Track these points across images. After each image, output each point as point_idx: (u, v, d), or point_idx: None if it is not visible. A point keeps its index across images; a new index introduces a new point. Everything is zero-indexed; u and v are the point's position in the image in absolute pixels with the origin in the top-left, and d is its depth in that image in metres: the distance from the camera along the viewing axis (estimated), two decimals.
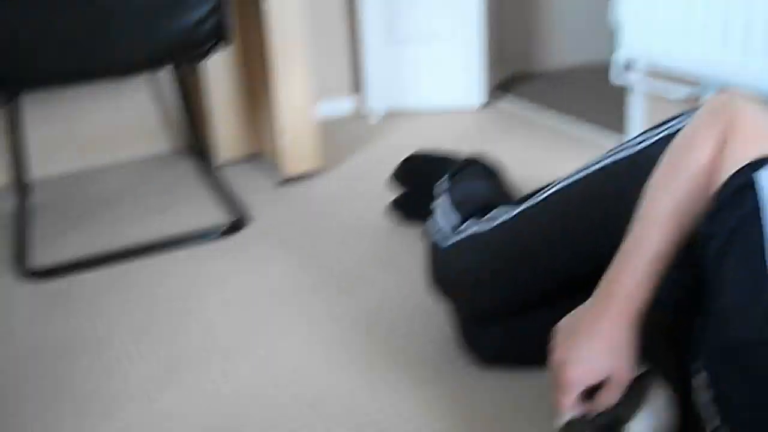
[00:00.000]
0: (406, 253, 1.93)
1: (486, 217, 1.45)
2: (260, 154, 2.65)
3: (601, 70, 3.29)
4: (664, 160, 1.06)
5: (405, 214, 2.09)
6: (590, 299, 1.05)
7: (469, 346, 1.47)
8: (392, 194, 2.20)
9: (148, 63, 1.93)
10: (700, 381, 0.98)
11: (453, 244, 1.45)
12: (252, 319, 1.69)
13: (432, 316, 1.64)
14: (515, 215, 1.39)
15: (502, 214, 1.42)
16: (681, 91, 2.21)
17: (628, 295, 1.01)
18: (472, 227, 1.45)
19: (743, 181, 0.92)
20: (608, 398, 1.02)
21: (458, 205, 1.58)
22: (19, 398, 1.47)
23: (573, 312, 1.07)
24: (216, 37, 1.94)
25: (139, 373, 1.52)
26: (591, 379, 1.01)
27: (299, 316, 1.68)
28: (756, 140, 0.97)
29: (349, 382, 1.45)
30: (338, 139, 2.83)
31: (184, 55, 1.95)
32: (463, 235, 1.45)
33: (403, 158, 2.09)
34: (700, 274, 0.97)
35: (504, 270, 1.38)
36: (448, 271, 1.45)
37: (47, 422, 1.40)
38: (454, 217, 1.53)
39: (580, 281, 1.22)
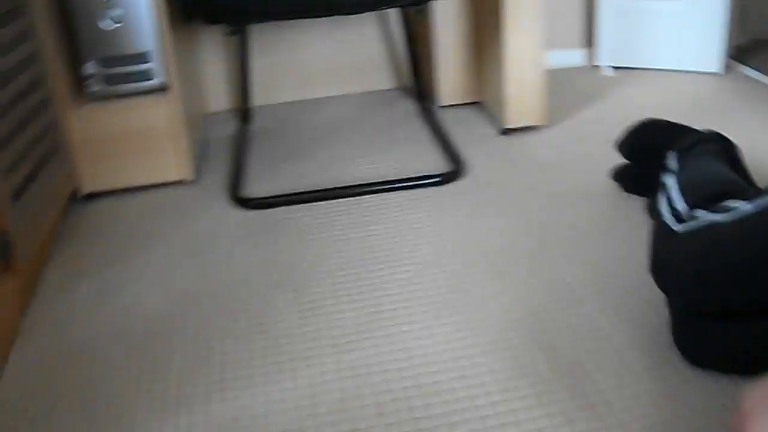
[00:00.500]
0: (626, 225, 1.80)
1: (720, 206, 1.30)
2: (482, 102, 2.56)
3: None
4: None
5: (628, 185, 1.94)
6: None
7: (682, 342, 1.34)
8: (617, 160, 2.06)
9: (376, 2, 1.89)
10: None
11: (681, 231, 1.32)
12: (456, 277, 1.63)
13: (646, 299, 1.52)
14: (760, 210, 1.23)
15: (740, 206, 1.26)
16: None
17: None
18: (705, 216, 1.30)
19: None
20: None
21: (686, 188, 1.43)
22: (215, 329, 1.50)
23: None
24: None
25: (334, 321, 1.50)
26: None
27: (504, 280, 1.60)
28: None
29: (545, 361, 1.36)
30: (565, 92, 2.69)
31: None
32: (693, 223, 1.31)
33: (630, 125, 1.94)
34: None
35: (734, 267, 1.23)
36: (673, 258, 1.32)
37: (238, 358, 1.41)
38: (681, 202, 1.39)
39: None
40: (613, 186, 1.97)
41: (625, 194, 1.93)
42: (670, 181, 1.50)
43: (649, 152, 1.81)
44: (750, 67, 2.85)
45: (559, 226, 1.81)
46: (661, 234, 1.36)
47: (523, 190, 1.99)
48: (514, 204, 1.92)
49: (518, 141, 2.29)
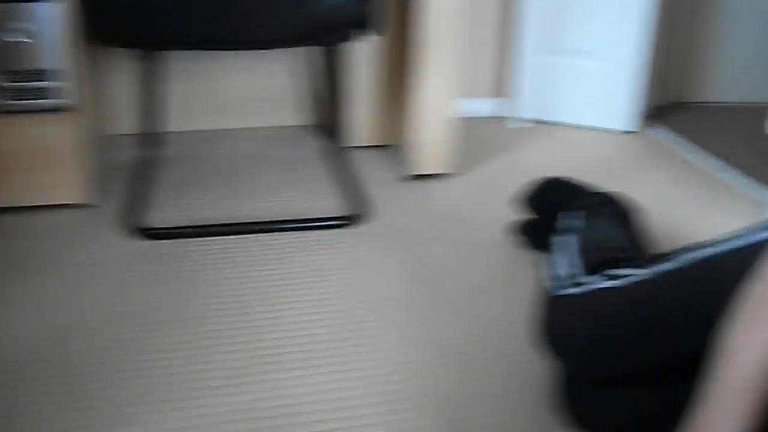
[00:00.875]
0: (522, 281, 1.82)
1: (612, 273, 1.32)
2: (393, 146, 2.57)
3: (761, 113, 3.05)
4: (742, 308, 0.92)
5: (527, 240, 1.97)
6: None
7: (564, 405, 1.35)
8: (518, 214, 2.09)
9: (290, 39, 1.89)
10: None
11: (572, 295, 1.33)
12: (349, 324, 1.62)
13: (537, 361, 1.53)
14: (647, 279, 1.26)
15: (631, 274, 1.29)
16: None
17: None
18: (596, 283, 1.32)
19: None
20: None
21: (583, 253, 1.45)
22: (93, 365, 1.46)
23: None
24: (357, 23, 1.87)
25: (219, 362, 1.47)
26: None
27: (397, 331, 1.60)
28: None
29: (428, 417, 1.36)
30: (476, 142, 2.72)
31: (325, 35, 1.90)
32: (584, 289, 1.32)
33: (534, 181, 1.97)
34: None
35: (620, 335, 1.25)
36: (561, 324, 1.34)
37: (113, 395, 1.37)
38: (577, 267, 1.41)
39: (697, 362, 1.09)
40: (510, 239, 2.00)
41: (524, 249, 1.96)
42: (564, 243, 1.52)
43: (550, 210, 1.84)
44: (664, 128, 2.93)
45: (456, 278, 1.82)
46: (550, 296, 1.38)
47: (425, 238, 2.00)
48: (414, 252, 1.92)
49: (425, 188, 2.30)
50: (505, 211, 2.16)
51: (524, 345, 1.57)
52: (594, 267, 1.37)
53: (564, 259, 1.45)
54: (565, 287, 1.36)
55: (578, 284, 1.34)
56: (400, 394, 1.41)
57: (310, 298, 1.70)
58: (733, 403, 0.88)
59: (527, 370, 1.49)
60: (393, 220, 2.09)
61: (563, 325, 1.33)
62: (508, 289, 1.78)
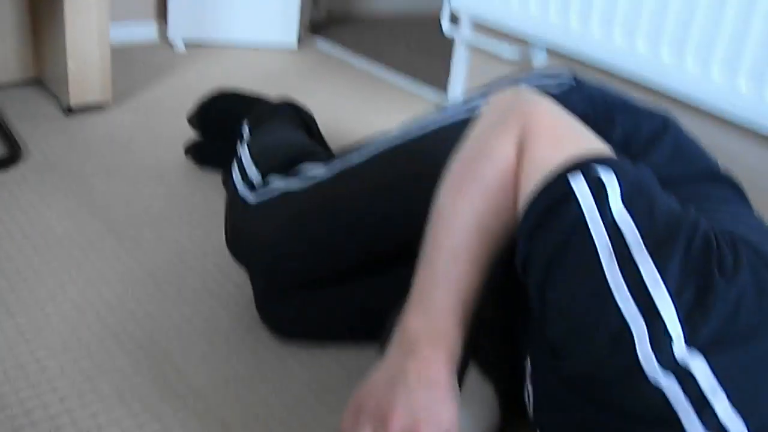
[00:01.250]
0: (205, 202, 1.74)
1: (293, 174, 1.28)
2: (43, 79, 2.33)
3: (431, 21, 3.18)
4: (453, 171, 0.91)
5: (204, 160, 1.88)
6: (396, 346, 0.88)
7: (266, 314, 1.31)
8: (191, 135, 1.99)
9: None
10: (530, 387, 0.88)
11: (256, 202, 1.28)
12: (17, 274, 1.44)
13: (230, 278, 1.47)
14: (331, 177, 1.24)
15: (313, 173, 1.26)
16: (508, 50, 2.10)
17: (446, 335, 0.86)
18: (279, 185, 1.28)
19: (559, 190, 0.79)
20: None
21: (259, 156, 1.40)
22: None
23: (376, 372, 0.88)
24: None
25: None
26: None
27: (75, 273, 1.46)
28: (556, 141, 0.84)
29: (125, 356, 1.25)
30: (135, 68, 2.55)
31: None
32: (267, 193, 1.28)
33: (201, 98, 1.88)
34: (526, 295, 0.84)
35: (311, 237, 1.23)
36: (250, 232, 1.28)
37: None
38: (253, 171, 1.35)
39: (389, 256, 1.09)
40: (189, 163, 1.90)
41: (202, 170, 1.87)
42: (243, 150, 1.46)
43: (222, 124, 1.77)
44: (324, 40, 2.94)
45: (134, 210, 1.69)
46: (237, 206, 1.32)
47: (94, 174, 1.84)
48: (83, 190, 1.76)
49: (86, 122, 2.11)
50: (175, 137, 2.04)
51: (215, 265, 1.51)
52: (275, 167, 1.33)
53: (241, 168, 1.40)
54: (247, 194, 1.31)
55: (260, 187, 1.30)
56: (85, 338, 1.28)
57: None
58: (453, 267, 0.87)
59: (221, 289, 1.44)
60: (55, 157, 1.89)
61: (253, 232, 1.28)
62: (191, 211, 1.70)
